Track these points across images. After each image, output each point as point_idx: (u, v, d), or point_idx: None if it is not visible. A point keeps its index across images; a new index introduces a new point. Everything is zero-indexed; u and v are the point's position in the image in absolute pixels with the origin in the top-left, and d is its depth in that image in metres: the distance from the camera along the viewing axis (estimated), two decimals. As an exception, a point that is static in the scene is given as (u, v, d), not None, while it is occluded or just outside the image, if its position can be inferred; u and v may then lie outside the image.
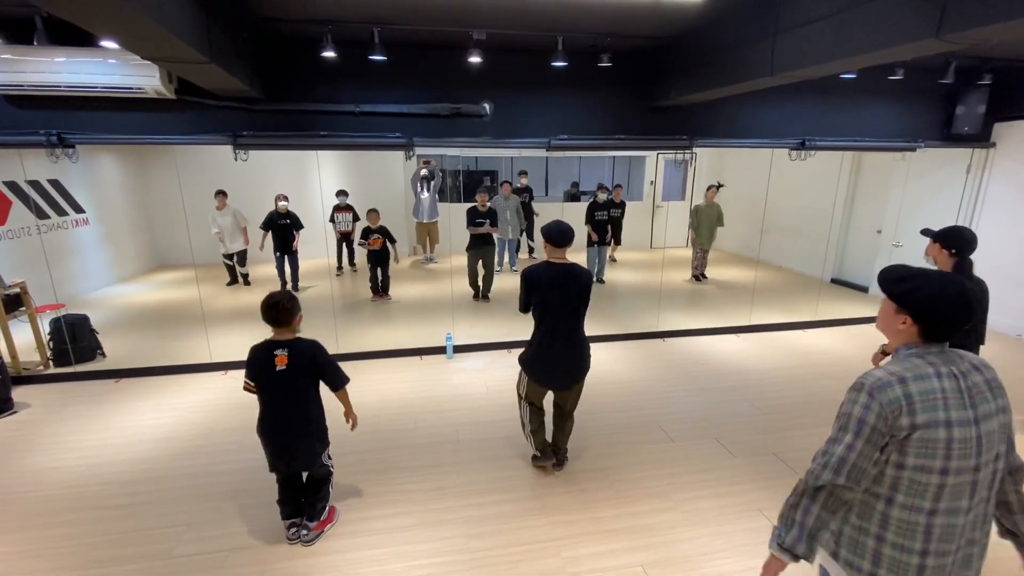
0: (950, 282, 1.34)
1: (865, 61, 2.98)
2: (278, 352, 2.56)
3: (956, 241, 2.73)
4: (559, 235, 2.91)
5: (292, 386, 2.59)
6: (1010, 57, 5.23)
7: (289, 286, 7.23)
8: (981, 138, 6.08)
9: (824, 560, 1.53)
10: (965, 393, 1.33)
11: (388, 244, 6.92)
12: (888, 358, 1.53)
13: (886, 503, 1.37)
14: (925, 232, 2.94)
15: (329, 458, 2.84)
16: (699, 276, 8.09)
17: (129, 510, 3.04)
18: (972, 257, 2.76)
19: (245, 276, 7.55)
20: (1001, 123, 6.05)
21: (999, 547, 2.70)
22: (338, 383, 2.71)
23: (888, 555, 1.37)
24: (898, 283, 1.40)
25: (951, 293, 1.32)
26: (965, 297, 1.31)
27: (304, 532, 2.76)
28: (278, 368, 2.55)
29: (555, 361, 3.06)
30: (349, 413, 2.82)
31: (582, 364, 3.11)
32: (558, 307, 2.97)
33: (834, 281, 8.03)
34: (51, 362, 4.95)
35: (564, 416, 3.33)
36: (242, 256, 7.46)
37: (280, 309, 2.53)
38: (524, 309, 3.10)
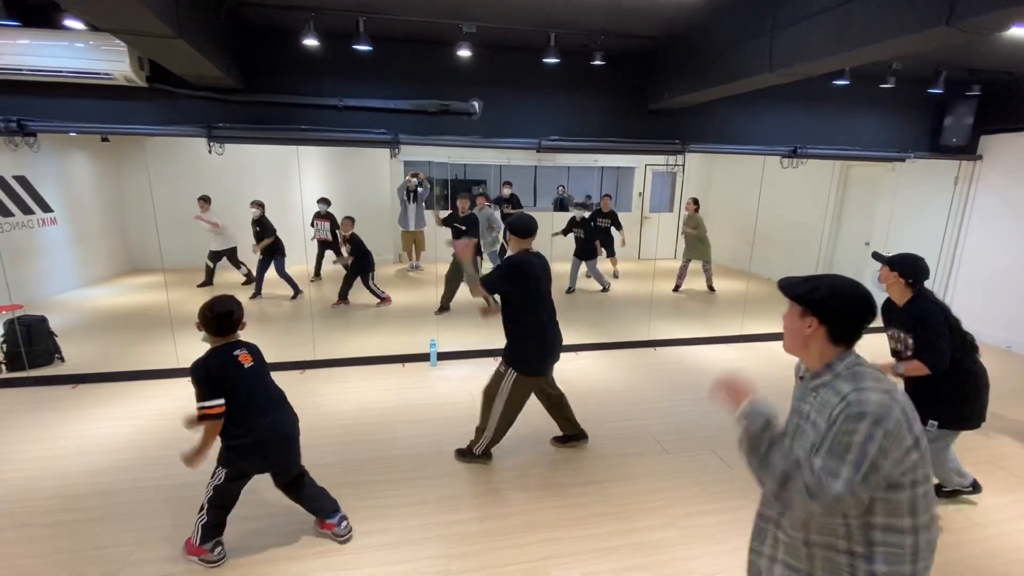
0: (846, 280, 1.37)
1: (869, 55, 2.88)
2: (239, 352, 2.44)
3: (917, 273, 2.66)
4: (526, 227, 3.08)
5: (263, 380, 2.50)
6: (999, 68, 5.25)
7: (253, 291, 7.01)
8: (968, 150, 6.09)
9: None
10: None
11: (359, 251, 6.65)
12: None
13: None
14: (876, 256, 2.81)
15: None
16: (678, 287, 7.99)
17: (71, 527, 2.74)
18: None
19: (249, 275, 7.39)
20: (988, 135, 6.07)
21: (999, 552, 2.55)
22: None
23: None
24: (798, 286, 1.40)
25: (849, 287, 1.35)
26: (862, 291, 1.35)
27: (344, 524, 2.67)
28: (246, 366, 2.43)
29: (556, 343, 3.22)
30: None
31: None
32: (547, 293, 3.17)
33: (823, 293, 7.97)
34: (3, 365, 4.61)
35: (558, 392, 3.47)
36: (232, 253, 7.27)
37: (235, 320, 2.44)
38: (498, 292, 3.05)
